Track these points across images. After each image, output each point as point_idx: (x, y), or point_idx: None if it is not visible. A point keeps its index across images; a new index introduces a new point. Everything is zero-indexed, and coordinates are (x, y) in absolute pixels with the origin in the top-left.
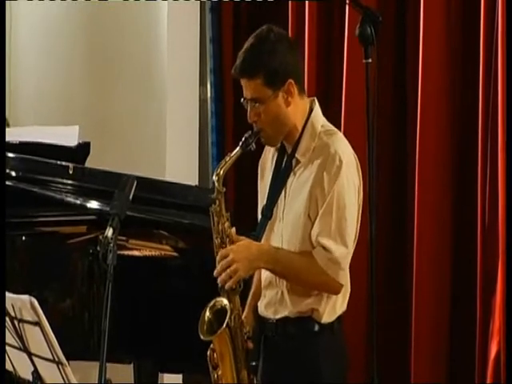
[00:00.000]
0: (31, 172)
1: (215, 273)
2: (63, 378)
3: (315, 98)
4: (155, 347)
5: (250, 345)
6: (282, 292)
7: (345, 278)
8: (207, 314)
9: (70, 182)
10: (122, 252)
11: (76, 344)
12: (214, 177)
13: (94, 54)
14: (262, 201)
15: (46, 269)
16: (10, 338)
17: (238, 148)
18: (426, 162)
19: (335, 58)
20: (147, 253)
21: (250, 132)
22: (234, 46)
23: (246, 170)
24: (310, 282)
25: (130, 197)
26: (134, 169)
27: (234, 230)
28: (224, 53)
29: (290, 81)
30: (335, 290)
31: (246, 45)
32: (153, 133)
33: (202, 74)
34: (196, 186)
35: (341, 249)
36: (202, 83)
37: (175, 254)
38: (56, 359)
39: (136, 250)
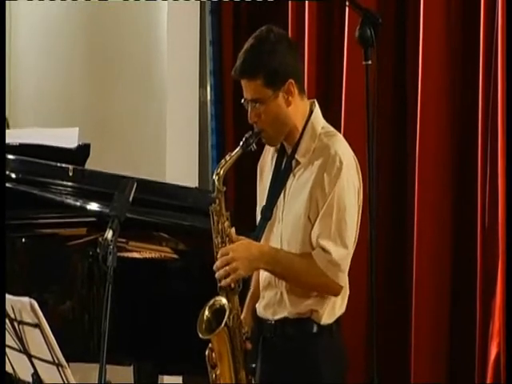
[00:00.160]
0: (31, 174)
1: (214, 267)
2: (63, 380)
3: (315, 100)
4: (155, 349)
5: (249, 345)
6: (281, 293)
7: (344, 280)
8: (206, 312)
9: (69, 183)
10: (121, 254)
11: (76, 346)
12: (214, 176)
13: (94, 54)
14: (260, 202)
15: (46, 271)
16: (9, 339)
17: (238, 148)
18: (426, 162)
19: (335, 59)
20: (147, 255)
21: (250, 132)
22: (234, 48)
23: (246, 170)
24: (310, 283)
25: (130, 199)
26: (134, 169)
27: (233, 229)
28: (224, 55)
29: (290, 81)
30: (335, 291)
31: (246, 45)
32: (153, 133)
33: (201, 76)
34: (196, 187)
35: (341, 250)
36: (202, 85)
37: (175, 256)
38: (56, 361)
39: (136, 252)
